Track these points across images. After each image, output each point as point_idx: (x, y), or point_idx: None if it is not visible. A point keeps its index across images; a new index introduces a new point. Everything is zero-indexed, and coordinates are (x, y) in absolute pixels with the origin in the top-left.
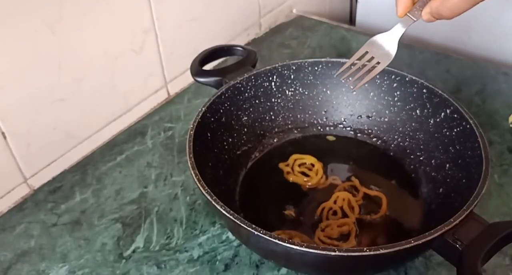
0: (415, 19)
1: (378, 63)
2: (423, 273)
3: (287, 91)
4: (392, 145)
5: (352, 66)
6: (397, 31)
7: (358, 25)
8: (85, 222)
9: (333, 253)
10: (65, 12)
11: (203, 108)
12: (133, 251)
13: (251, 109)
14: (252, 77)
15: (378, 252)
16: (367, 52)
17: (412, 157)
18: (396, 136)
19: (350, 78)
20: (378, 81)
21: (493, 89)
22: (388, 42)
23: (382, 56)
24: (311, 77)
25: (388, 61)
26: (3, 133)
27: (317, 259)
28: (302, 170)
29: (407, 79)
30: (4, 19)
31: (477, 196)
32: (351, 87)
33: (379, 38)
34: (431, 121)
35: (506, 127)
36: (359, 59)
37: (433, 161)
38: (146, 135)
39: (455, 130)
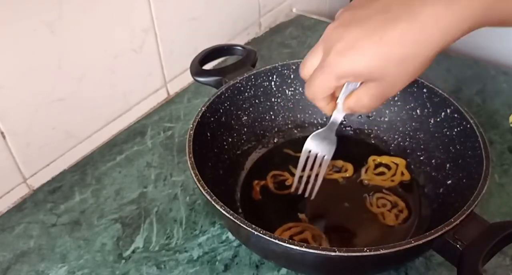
0: (343, 113)
1: (324, 156)
2: (424, 274)
3: (287, 91)
4: (392, 145)
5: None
6: (333, 125)
7: None
8: (84, 222)
9: (333, 253)
10: (64, 11)
11: (203, 108)
12: (133, 251)
13: (251, 109)
14: (252, 77)
15: (378, 252)
16: (310, 150)
17: (412, 156)
18: (396, 136)
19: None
20: None
21: (493, 89)
22: (327, 136)
23: (326, 149)
24: None
25: (332, 153)
26: (2, 133)
27: (317, 259)
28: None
29: None
30: (3, 18)
31: (477, 196)
32: (311, 197)
33: (317, 135)
34: (431, 121)
35: (507, 127)
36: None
37: (433, 161)
38: (145, 135)
39: (455, 130)
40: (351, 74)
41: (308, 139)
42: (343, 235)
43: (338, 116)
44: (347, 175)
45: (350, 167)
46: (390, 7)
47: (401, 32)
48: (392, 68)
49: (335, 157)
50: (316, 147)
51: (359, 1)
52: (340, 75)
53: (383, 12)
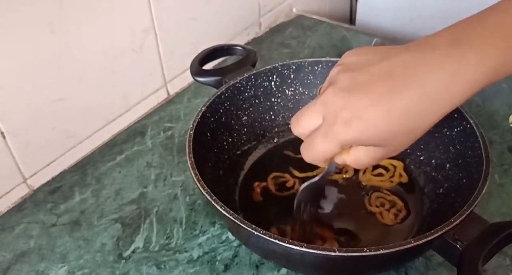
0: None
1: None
2: (424, 274)
3: (287, 91)
4: None
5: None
6: (326, 175)
7: (358, 25)
8: (84, 222)
9: (333, 253)
10: (64, 11)
11: (203, 108)
12: (133, 252)
13: (251, 109)
14: (252, 77)
15: (378, 252)
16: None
17: (412, 157)
18: None
19: None
20: None
21: (493, 89)
22: (317, 186)
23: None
24: (311, 77)
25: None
26: (2, 133)
27: (317, 259)
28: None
29: None
30: (3, 19)
31: (477, 196)
32: None
33: (308, 186)
34: None
35: (506, 127)
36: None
37: (433, 161)
38: (145, 135)
39: (455, 130)
40: (356, 142)
41: (299, 191)
42: (343, 235)
43: (332, 167)
44: (347, 176)
45: (350, 168)
46: (393, 74)
47: (409, 104)
48: (398, 139)
49: None
50: (309, 198)
51: (356, 52)
52: (344, 144)
53: (386, 79)
